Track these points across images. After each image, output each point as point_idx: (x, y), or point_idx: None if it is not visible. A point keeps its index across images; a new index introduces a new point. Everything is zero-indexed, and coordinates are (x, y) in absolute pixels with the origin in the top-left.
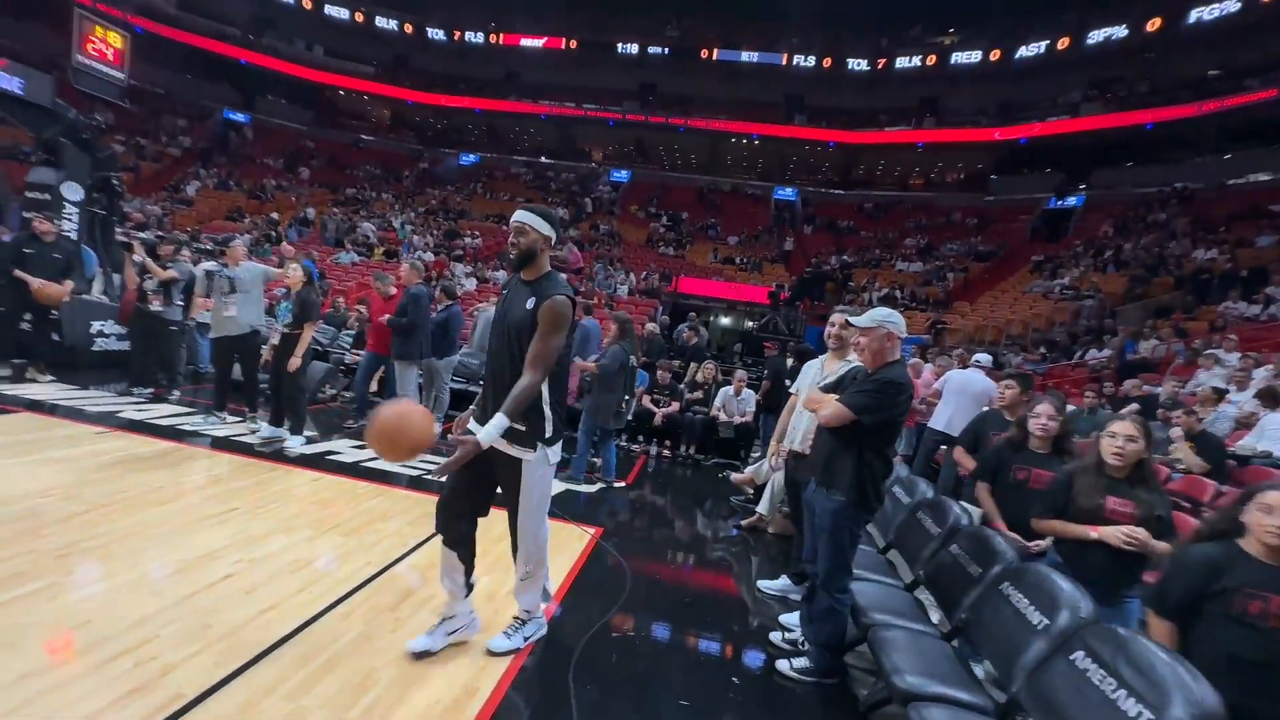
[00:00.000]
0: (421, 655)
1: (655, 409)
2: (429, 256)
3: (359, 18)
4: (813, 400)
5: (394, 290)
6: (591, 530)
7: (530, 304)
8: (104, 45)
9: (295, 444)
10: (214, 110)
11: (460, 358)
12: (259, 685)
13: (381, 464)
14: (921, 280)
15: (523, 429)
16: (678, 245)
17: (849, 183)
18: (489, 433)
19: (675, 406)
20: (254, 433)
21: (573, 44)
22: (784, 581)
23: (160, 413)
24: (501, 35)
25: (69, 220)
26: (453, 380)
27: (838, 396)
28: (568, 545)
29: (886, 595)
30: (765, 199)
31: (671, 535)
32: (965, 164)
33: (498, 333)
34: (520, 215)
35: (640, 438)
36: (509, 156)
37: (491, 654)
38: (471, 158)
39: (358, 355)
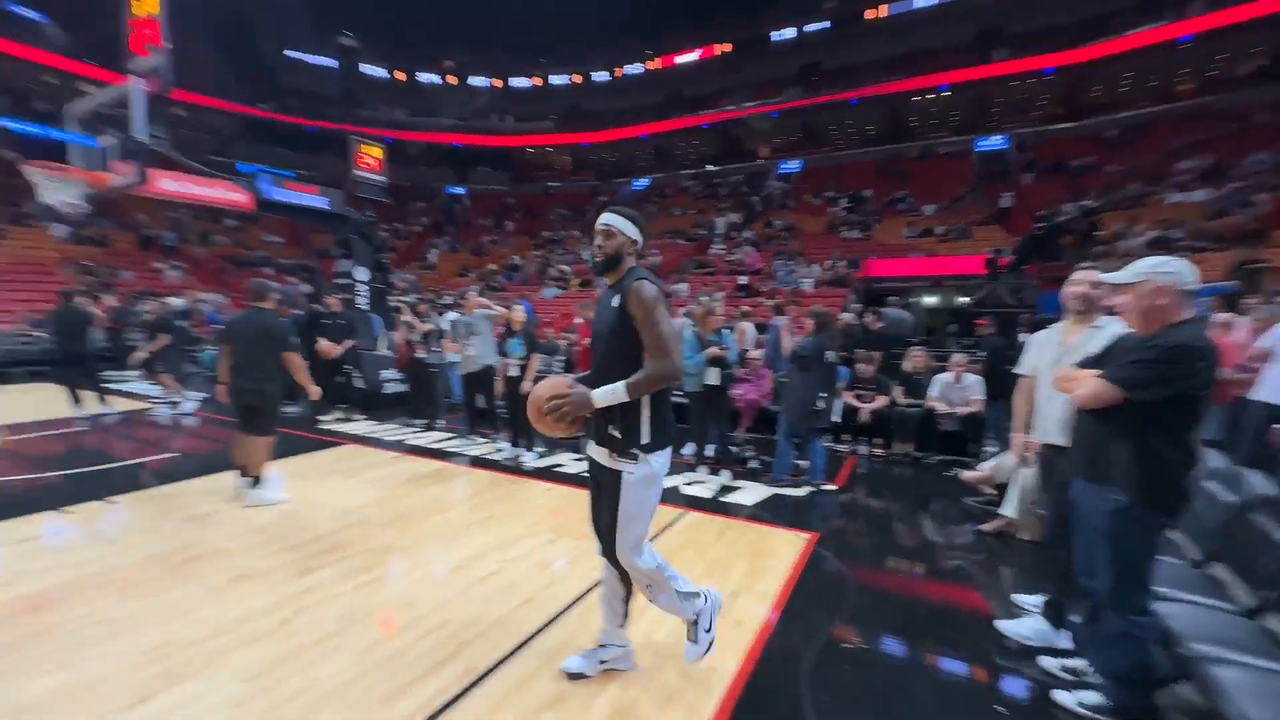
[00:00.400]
0: (576, 677)
1: (860, 404)
2: None
3: (537, 82)
4: (1065, 379)
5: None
6: (806, 535)
7: (615, 302)
8: (370, 159)
9: (530, 459)
10: (439, 190)
11: None
12: (529, 665)
13: None
14: (1211, 212)
15: (618, 435)
16: (863, 227)
17: (1079, 111)
18: (601, 393)
19: (883, 401)
20: (499, 451)
21: (726, 47)
22: (1036, 623)
23: (432, 439)
24: (658, 59)
25: (361, 296)
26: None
27: (1100, 372)
28: (781, 551)
29: (1215, 621)
30: (964, 155)
31: (896, 541)
32: (1268, 44)
33: (595, 347)
34: (606, 218)
35: (845, 436)
36: (676, 173)
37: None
38: (643, 182)
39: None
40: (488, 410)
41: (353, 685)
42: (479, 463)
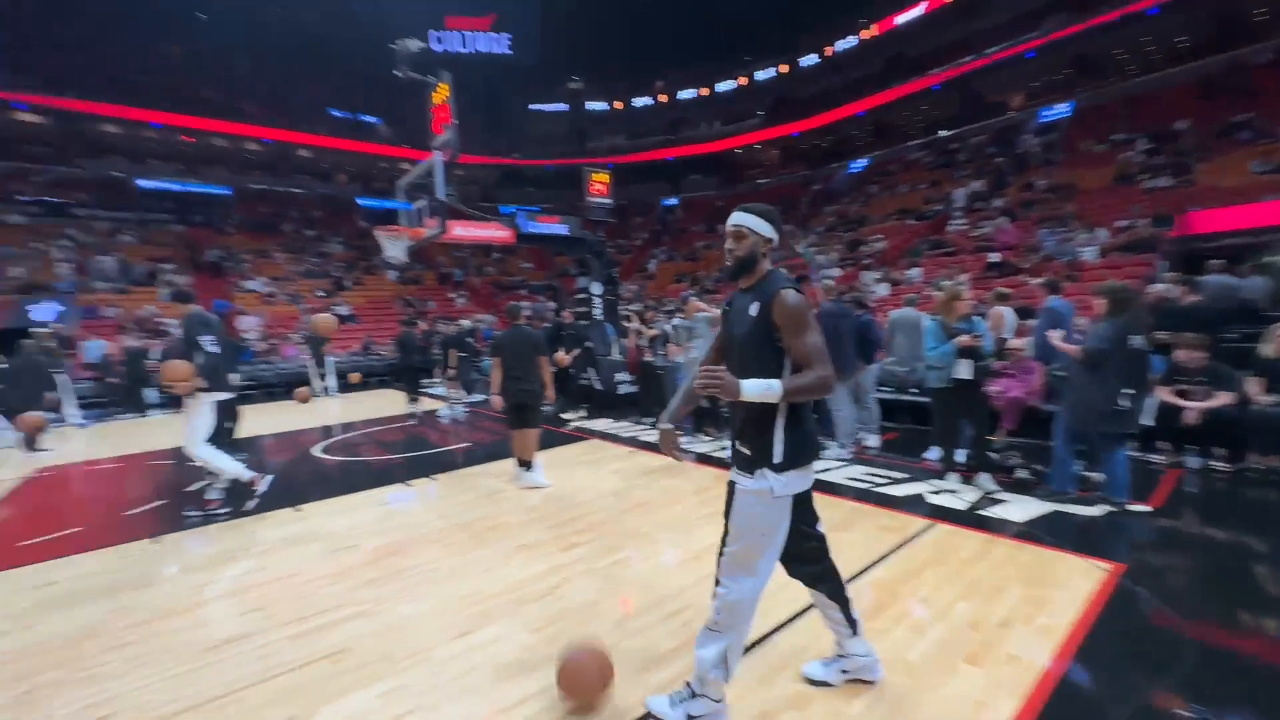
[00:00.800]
0: (818, 684)
1: (1184, 403)
2: (835, 272)
3: (742, 81)
4: None
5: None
6: (1106, 565)
7: (754, 310)
8: (599, 184)
9: None
10: (656, 203)
11: (885, 366)
12: (768, 660)
13: (828, 476)
14: None
15: (747, 453)
16: (1176, 171)
17: None
18: (751, 387)
19: (1224, 398)
20: (724, 450)
21: None
22: None
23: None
24: (874, 25)
25: (596, 307)
26: (880, 390)
27: None
28: (1069, 580)
29: None
30: None
31: (1247, 587)
32: None
33: (727, 356)
34: (736, 218)
35: (1162, 444)
36: (900, 146)
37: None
38: (860, 162)
39: None
40: (711, 410)
41: (612, 650)
42: (706, 460)
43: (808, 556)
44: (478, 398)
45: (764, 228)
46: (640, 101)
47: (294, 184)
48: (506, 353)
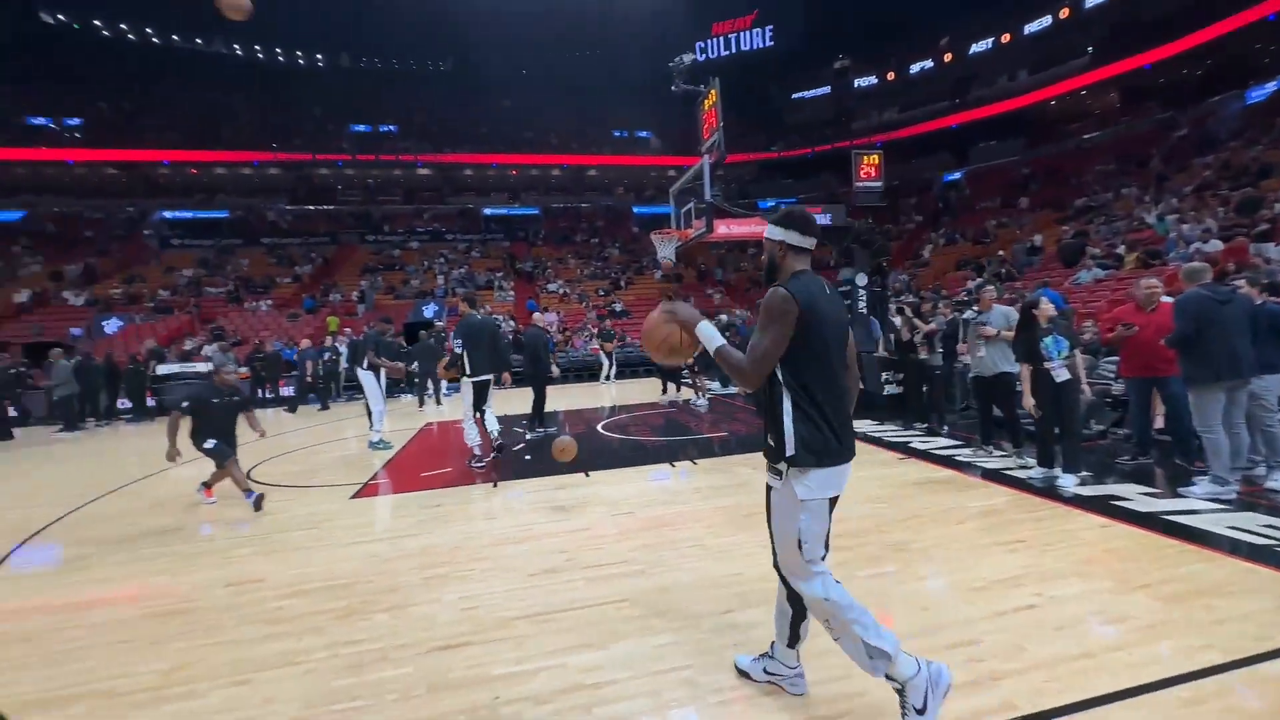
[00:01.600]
0: (741, 674)
1: None
2: (1214, 246)
3: (1064, 14)
4: None
5: (1161, 299)
6: None
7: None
8: (869, 167)
9: (1068, 483)
10: (933, 180)
11: None
12: None
13: (1197, 522)
14: None
15: (770, 443)
16: None
17: None
18: (706, 326)
19: None
20: (1023, 469)
21: None
22: None
23: (937, 444)
24: None
25: (860, 302)
26: None
27: None
28: None
29: None
30: None
31: None
32: None
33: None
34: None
35: None
36: None
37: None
38: (1267, 86)
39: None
40: (1006, 420)
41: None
42: (996, 477)
43: None
44: (732, 390)
45: (776, 233)
46: (918, 67)
47: (584, 200)
48: None
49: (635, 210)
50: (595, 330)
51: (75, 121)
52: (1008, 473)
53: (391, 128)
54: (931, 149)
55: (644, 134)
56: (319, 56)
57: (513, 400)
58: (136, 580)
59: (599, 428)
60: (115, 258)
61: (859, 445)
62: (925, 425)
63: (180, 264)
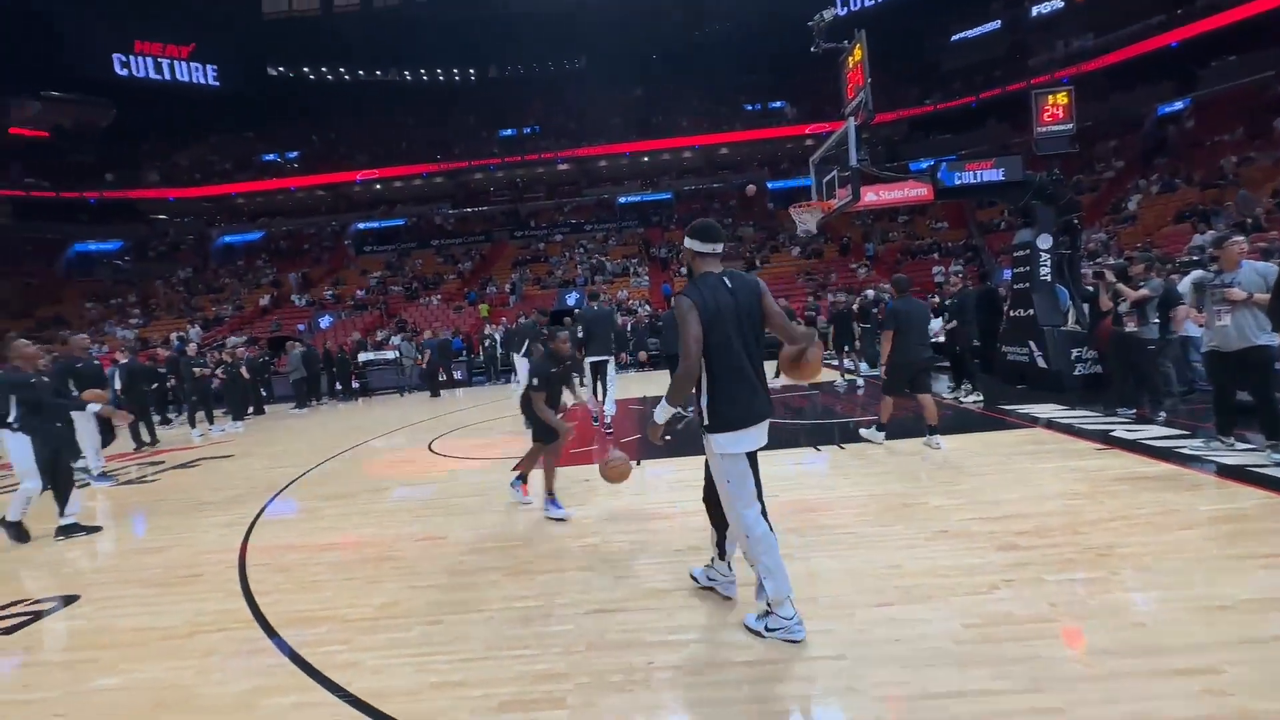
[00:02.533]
0: (693, 579)
1: None
2: None
3: None
4: None
5: None
6: None
7: None
8: (1055, 109)
9: None
10: (1144, 115)
11: None
12: None
13: None
14: None
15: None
16: None
17: None
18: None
19: None
20: (1278, 466)
21: None
22: None
23: (1151, 434)
24: None
25: (1044, 267)
26: None
27: None
28: None
29: None
30: None
31: None
32: None
33: None
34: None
35: None
36: None
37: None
38: None
39: None
40: (1258, 405)
41: (1086, 684)
42: (1239, 475)
43: (712, 495)
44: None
45: (688, 243)
46: None
47: (716, 180)
48: (906, 323)
49: (770, 185)
50: None
51: (294, 155)
52: (1257, 470)
53: (534, 128)
54: (1139, 78)
55: (778, 105)
56: (471, 71)
57: (654, 382)
58: (355, 530)
59: None
60: (325, 265)
61: (1050, 434)
62: (1133, 410)
63: (371, 267)
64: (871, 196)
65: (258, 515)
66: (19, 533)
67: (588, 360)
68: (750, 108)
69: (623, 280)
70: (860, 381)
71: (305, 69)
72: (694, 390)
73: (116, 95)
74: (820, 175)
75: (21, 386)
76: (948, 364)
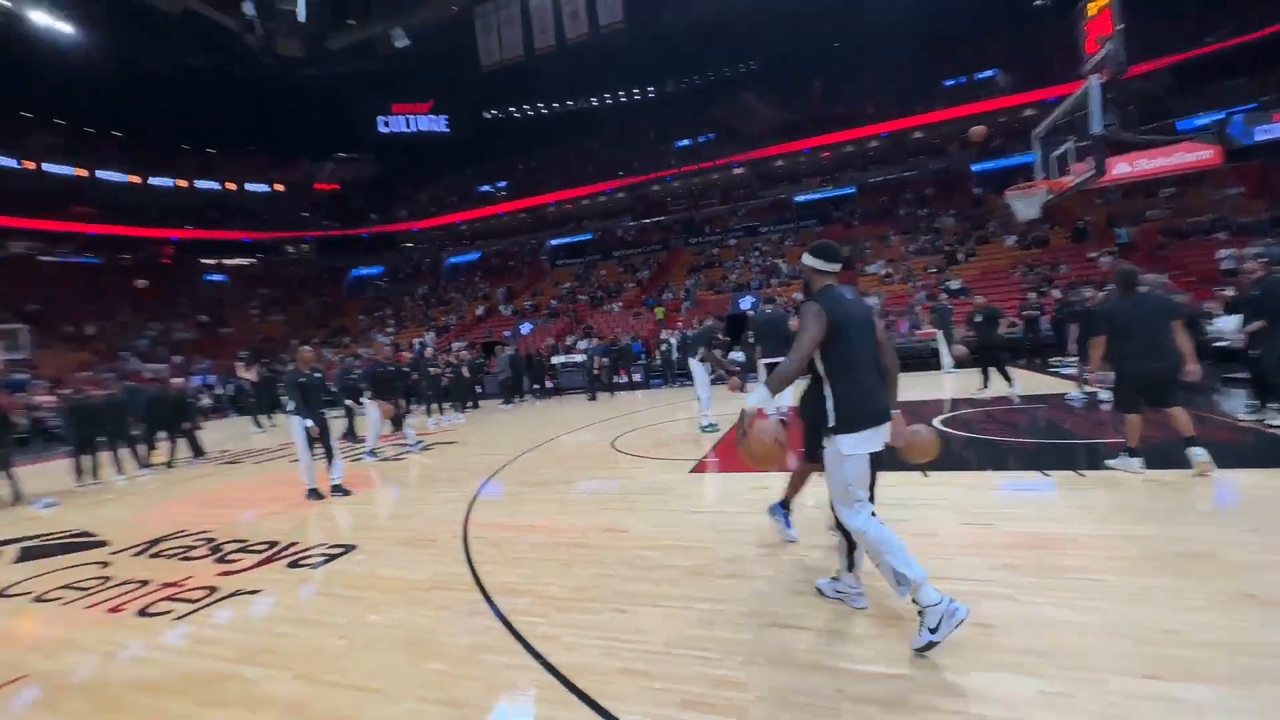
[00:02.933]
0: (819, 591)
1: None
2: None
3: None
4: None
5: None
6: None
7: None
8: None
9: None
10: None
11: None
12: None
13: None
14: None
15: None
16: None
17: None
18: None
19: None
20: None
21: None
22: None
23: None
24: None
25: None
26: None
27: None
28: None
29: None
30: None
31: None
32: None
33: None
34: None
35: None
36: None
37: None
38: None
39: None
40: None
41: None
42: None
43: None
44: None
45: (807, 260)
46: None
47: (907, 168)
48: (1132, 326)
49: (975, 169)
50: (925, 312)
51: (503, 184)
52: None
53: (709, 136)
54: None
55: (986, 74)
56: (650, 89)
57: None
58: (551, 516)
59: (936, 422)
60: (526, 279)
61: None
62: None
63: (563, 279)
64: (1124, 168)
65: (475, 494)
66: (315, 495)
67: (762, 362)
68: (951, 83)
69: (800, 282)
70: (1103, 395)
71: (511, 109)
72: (813, 396)
73: (379, 150)
74: (1047, 149)
75: (298, 383)
76: (1247, 375)
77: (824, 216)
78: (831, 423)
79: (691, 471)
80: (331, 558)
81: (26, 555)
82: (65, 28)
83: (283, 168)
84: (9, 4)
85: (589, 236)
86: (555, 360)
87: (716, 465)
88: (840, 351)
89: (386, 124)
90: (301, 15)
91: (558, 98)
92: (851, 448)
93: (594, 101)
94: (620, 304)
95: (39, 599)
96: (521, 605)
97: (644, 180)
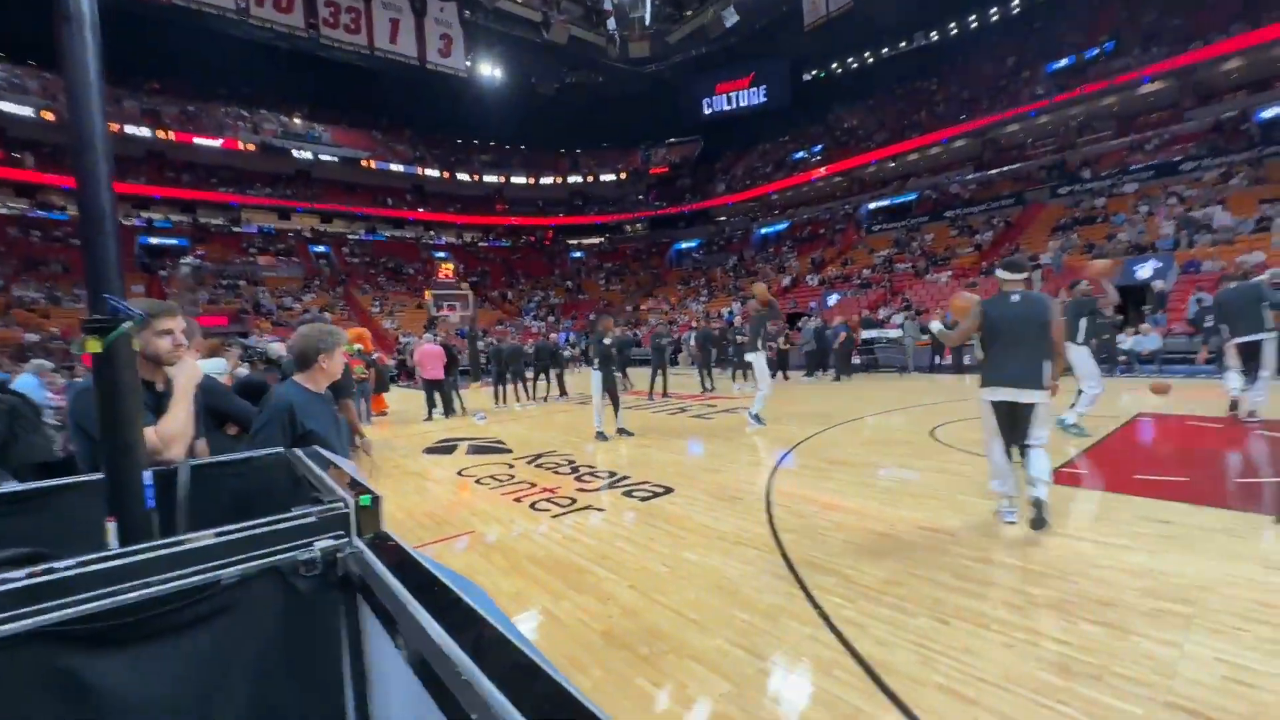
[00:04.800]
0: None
1: None
2: None
3: None
4: None
5: None
6: None
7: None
8: None
9: None
10: None
11: None
12: None
13: None
14: None
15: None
16: None
17: None
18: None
19: None
20: None
21: None
22: None
23: None
24: None
25: None
26: None
27: None
28: None
29: None
30: None
31: None
32: None
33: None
34: None
35: None
36: None
37: None
38: None
39: None
40: None
41: None
42: None
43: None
44: None
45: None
46: None
47: None
48: None
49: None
50: None
51: (817, 149)
52: None
53: (1105, 47)
54: None
55: None
56: (1014, 2)
57: None
58: (857, 499)
59: None
60: (837, 246)
61: None
62: None
63: (879, 245)
64: None
65: (779, 462)
66: (601, 437)
67: (1235, 341)
68: None
69: (1255, 240)
70: None
71: (834, 65)
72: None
73: (704, 130)
74: None
75: (597, 346)
76: None
77: None
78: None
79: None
80: (655, 495)
81: (471, 450)
82: (497, 72)
83: (626, 157)
84: (468, 63)
85: (913, 196)
86: (864, 335)
87: (1091, 480)
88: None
89: (710, 104)
90: (647, 19)
91: (892, 40)
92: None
93: (934, 36)
94: (949, 273)
95: (478, 481)
96: (827, 583)
97: (996, 121)
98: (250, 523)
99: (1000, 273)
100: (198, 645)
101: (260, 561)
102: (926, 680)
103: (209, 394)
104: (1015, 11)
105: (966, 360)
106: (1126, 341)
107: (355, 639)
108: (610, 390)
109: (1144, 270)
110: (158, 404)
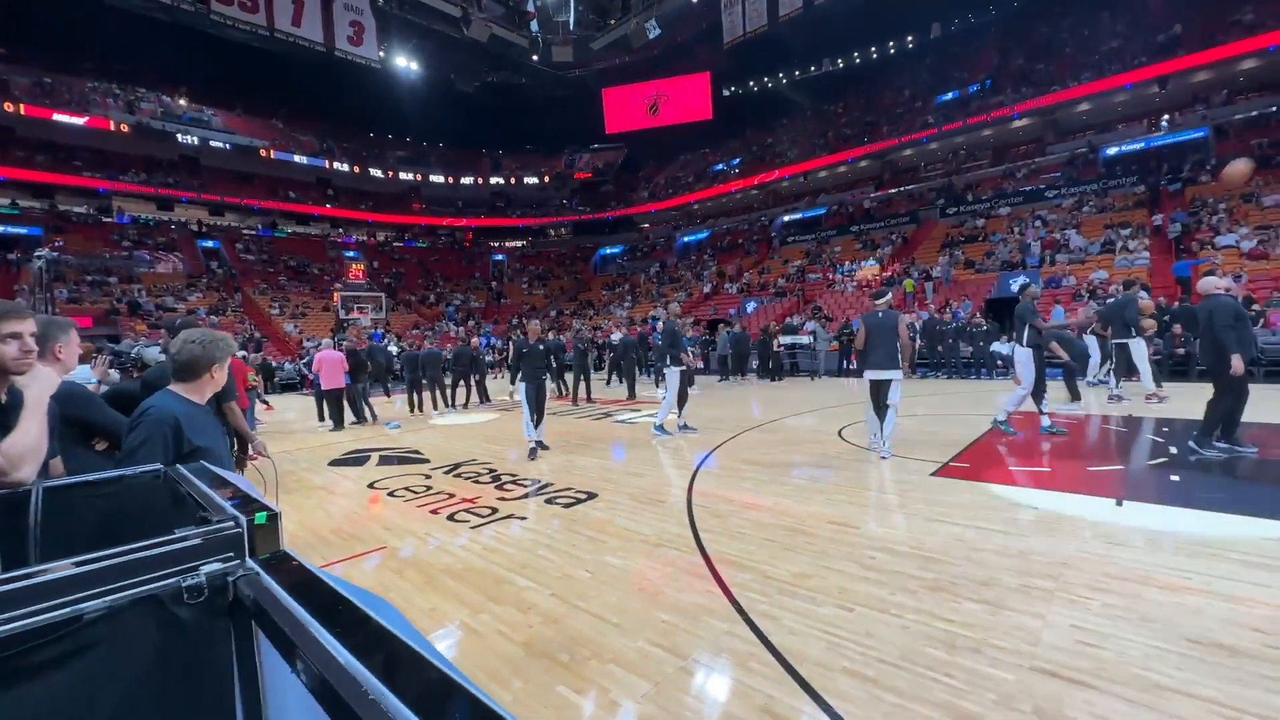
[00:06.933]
0: None
1: None
2: None
3: None
4: None
5: None
6: None
7: None
8: None
9: None
10: None
11: None
12: None
13: None
14: None
15: None
16: None
17: None
18: None
19: None
20: None
21: None
22: None
23: None
24: None
25: None
26: None
27: None
28: None
29: None
30: None
31: None
32: None
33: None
34: None
35: None
36: None
37: None
38: None
39: None
40: None
41: None
42: None
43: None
44: None
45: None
46: None
47: None
48: None
49: None
50: None
51: (736, 162)
52: None
53: (983, 84)
54: None
55: None
56: (909, 39)
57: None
58: (772, 498)
59: None
60: (752, 256)
61: None
62: None
63: (792, 256)
64: None
65: (700, 465)
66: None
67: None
68: None
69: (1101, 260)
70: None
71: (751, 83)
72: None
73: (628, 139)
74: None
75: (522, 352)
76: None
77: (1146, 172)
78: None
79: (934, 475)
80: (578, 501)
81: (383, 460)
82: (414, 65)
83: (549, 161)
84: (381, 54)
85: (822, 211)
86: (782, 340)
87: (967, 471)
88: None
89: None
90: (571, 24)
91: (803, 63)
92: None
93: (840, 63)
94: (855, 283)
95: (391, 494)
96: (743, 580)
97: (893, 145)
98: (119, 549)
99: (872, 300)
100: (54, 690)
101: (133, 591)
102: (834, 665)
103: (73, 403)
104: (910, 47)
105: None
106: (1004, 347)
107: (249, 667)
108: (540, 400)
109: (1016, 284)
110: (3, 419)
